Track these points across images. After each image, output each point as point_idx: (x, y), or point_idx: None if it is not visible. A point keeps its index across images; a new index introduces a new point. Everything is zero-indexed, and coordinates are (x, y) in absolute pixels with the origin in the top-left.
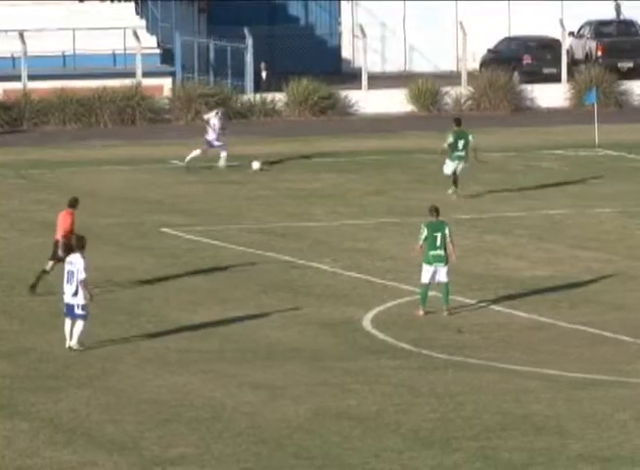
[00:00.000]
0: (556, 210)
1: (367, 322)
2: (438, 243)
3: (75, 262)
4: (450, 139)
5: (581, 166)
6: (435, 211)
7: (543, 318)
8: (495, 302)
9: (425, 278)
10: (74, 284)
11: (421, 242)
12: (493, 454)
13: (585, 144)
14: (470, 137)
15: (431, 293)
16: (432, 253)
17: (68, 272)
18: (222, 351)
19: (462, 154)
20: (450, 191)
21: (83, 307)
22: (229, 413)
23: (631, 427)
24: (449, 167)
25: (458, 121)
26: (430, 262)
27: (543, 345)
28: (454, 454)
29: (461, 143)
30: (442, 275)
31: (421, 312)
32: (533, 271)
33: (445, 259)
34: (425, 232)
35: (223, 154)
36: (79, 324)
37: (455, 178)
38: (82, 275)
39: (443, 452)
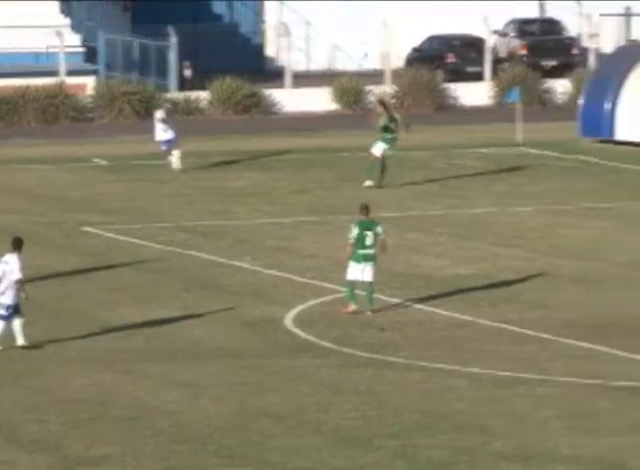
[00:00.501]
0: (479, 208)
1: (289, 321)
2: (369, 242)
3: (10, 262)
4: (385, 121)
5: (504, 165)
6: (366, 209)
7: (464, 316)
8: (417, 300)
9: (351, 275)
10: (4, 284)
11: (351, 240)
12: (414, 453)
13: (509, 142)
14: (397, 116)
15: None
16: (361, 251)
17: (2, 272)
18: (146, 350)
19: (396, 135)
20: (368, 183)
21: (7, 308)
22: (152, 412)
23: (553, 425)
24: (379, 149)
25: (384, 105)
26: (358, 261)
27: (465, 343)
28: (375, 453)
29: (393, 125)
30: (369, 274)
31: (353, 306)
32: (455, 270)
33: (374, 259)
34: (355, 231)
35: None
36: None
37: (383, 166)
38: (17, 276)
39: (365, 451)
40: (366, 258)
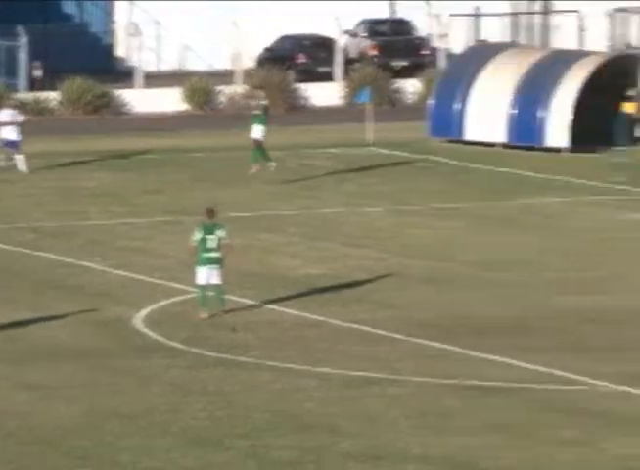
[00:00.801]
0: (330, 208)
1: (139, 321)
2: (212, 245)
3: None
4: (264, 103)
5: (355, 165)
6: (210, 212)
7: (316, 317)
8: (268, 300)
9: (199, 280)
10: None
11: (193, 243)
12: (264, 453)
13: (359, 142)
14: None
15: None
16: (205, 255)
17: None
18: None
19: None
20: (273, 165)
21: None
22: (1, 414)
23: (403, 425)
24: (259, 132)
25: (262, 89)
26: (203, 264)
27: (316, 343)
28: (225, 453)
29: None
30: (216, 277)
31: (204, 315)
32: (306, 270)
33: (219, 261)
34: (198, 234)
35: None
36: None
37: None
38: None
39: (215, 451)
40: (210, 262)
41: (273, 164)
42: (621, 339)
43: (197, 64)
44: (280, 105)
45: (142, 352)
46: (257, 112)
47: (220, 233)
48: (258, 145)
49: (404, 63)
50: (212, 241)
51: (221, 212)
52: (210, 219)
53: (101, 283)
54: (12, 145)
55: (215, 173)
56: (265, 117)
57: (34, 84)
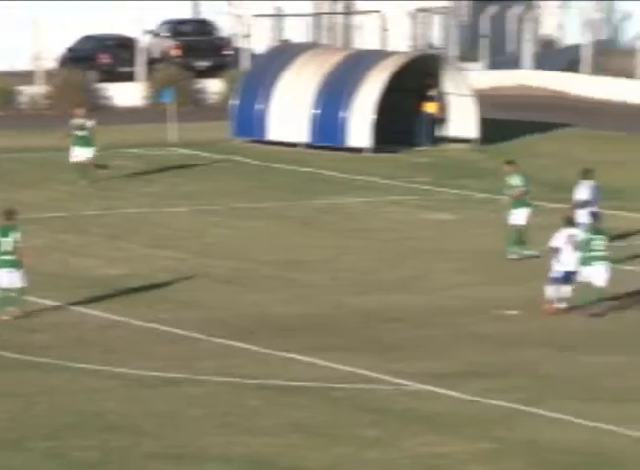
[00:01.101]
0: (133, 208)
1: None
2: (7, 248)
3: None
4: (91, 123)
5: (158, 165)
6: (8, 213)
7: (116, 317)
8: (69, 301)
9: (0, 283)
10: None
11: None
12: (66, 454)
13: (162, 143)
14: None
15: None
16: (1, 258)
17: None
18: None
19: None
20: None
21: None
22: None
23: (203, 424)
24: (80, 155)
25: (80, 107)
26: (1, 267)
27: (117, 343)
28: (25, 454)
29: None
30: (17, 280)
31: (4, 317)
32: (108, 270)
33: (16, 264)
34: None
35: None
36: None
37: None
38: None
39: (15, 452)
40: (6, 265)
41: (86, 182)
42: (423, 338)
43: None
44: (82, 105)
45: None
46: (82, 133)
47: (15, 235)
48: (89, 162)
49: (207, 63)
50: (7, 244)
51: (21, 214)
52: (8, 221)
53: None
54: None
55: (15, 174)
56: (92, 138)
57: None
